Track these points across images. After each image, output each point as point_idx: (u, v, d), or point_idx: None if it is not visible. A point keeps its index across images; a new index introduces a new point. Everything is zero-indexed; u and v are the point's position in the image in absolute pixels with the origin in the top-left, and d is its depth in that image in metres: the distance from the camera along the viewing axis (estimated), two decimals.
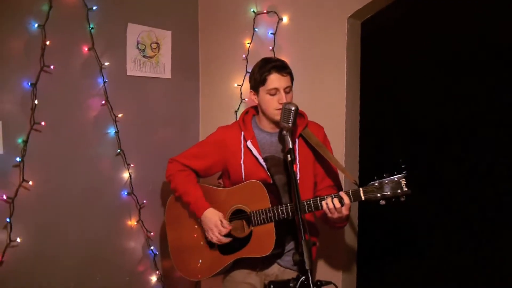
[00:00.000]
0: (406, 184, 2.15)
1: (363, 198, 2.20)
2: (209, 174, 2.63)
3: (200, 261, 2.57)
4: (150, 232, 3.24)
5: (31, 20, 2.65)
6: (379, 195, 2.17)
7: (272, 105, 2.38)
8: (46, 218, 2.76)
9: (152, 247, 3.26)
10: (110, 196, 3.08)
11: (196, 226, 2.57)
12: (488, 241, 3.03)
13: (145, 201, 3.21)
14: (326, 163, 2.51)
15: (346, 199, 2.20)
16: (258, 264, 2.48)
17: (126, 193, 3.12)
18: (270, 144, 2.49)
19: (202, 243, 2.55)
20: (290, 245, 2.48)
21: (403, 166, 2.15)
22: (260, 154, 2.44)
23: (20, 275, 2.65)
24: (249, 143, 2.46)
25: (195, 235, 2.58)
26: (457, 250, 3.15)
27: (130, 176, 3.12)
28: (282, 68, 2.38)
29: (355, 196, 2.21)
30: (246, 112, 2.60)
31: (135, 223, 3.18)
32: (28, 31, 2.64)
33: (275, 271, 2.49)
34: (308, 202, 2.26)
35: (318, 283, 1.87)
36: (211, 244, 2.52)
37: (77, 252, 2.90)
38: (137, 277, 3.23)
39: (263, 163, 2.44)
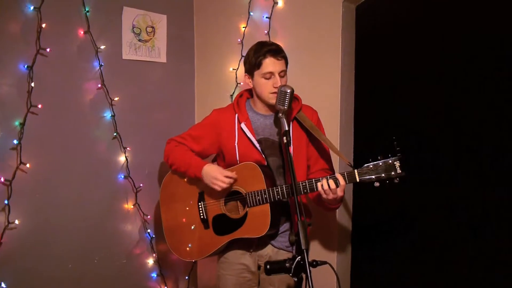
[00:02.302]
0: (400, 166, 2.19)
1: (357, 179, 2.24)
2: (204, 156, 2.65)
3: (194, 242, 2.60)
4: (147, 216, 3.27)
5: (27, 2, 2.64)
6: (373, 177, 2.21)
7: (267, 89, 2.40)
8: (43, 200, 2.78)
9: (148, 230, 3.29)
10: (107, 180, 3.10)
11: (191, 207, 2.60)
12: (481, 222, 3.08)
13: (141, 185, 3.23)
14: (319, 146, 2.54)
15: (341, 181, 2.24)
16: (253, 245, 2.52)
17: (122, 176, 3.14)
18: (264, 127, 2.51)
19: (197, 223, 2.58)
20: (284, 227, 2.52)
21: (398, 148, 2.18)
22: (254, 136, 2.47)
23: (19, 256, 2.68)
24: (243, 125, 2.48)
25: (190, 216, 2.61)
26: (451, 232, 3.20)
27: (127, 159, 3.14)
28: (277, 52, 2.40)
29: (350, 178, 2.25)
30: (240, 95, 2.62)
31: (132, 207, 3.21)
32: (24, 14, 2.64)
33: (268, 252, 2.53)
34: (304, 184, 2.29)
35: (314, 262, 1.90)
36: (206, 225, 2.56)
37: (75, 235, 2.92)
38: (134, 260, 3.26)
39: (257, 145, 2.46)
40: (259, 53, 2.39)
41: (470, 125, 3.09)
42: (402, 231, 3.32)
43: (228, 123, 2.54)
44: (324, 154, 2.57)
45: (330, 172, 2.56)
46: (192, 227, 2.59)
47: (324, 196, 2.27)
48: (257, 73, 2.42)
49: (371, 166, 2.21)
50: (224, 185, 2.42)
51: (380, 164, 2.20)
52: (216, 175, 2.43)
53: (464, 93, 3.08)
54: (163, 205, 2.74)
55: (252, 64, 2.42)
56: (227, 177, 2.42)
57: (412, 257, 3.31)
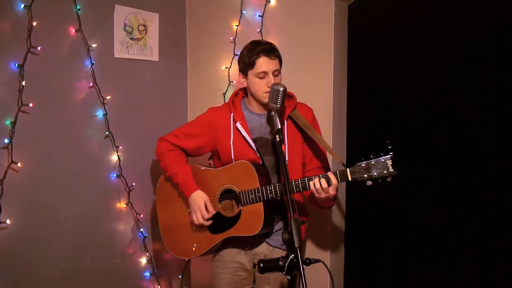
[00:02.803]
0: (393, 165, 2.19)
1: (350, 178, 2.24)
2: (198, 154, 2.65)
3: (190, 240, 2.60)
4: (140, 215, 3.26)
5: (18, 1, 2.62)
6: (365, 175, 2.21)
7: (261, 88, 2.40)
8: (35, 200, 2.76)
9: (141, 230, 3.28)
10: (99, 179, 3.08)
11: (186, 206, 2.60)
12: (476, 221, 3.10)
13: (134, 184, 3.22)
14: (314, 144, 2.54)
15: (333, 180, 2.24)
16: (248, 243, 2.52)
17: (115, 175, 3.13)
18: (260, 126, 2.51)
19: (191, 222, 2.58)
20: (279, 225, 2.52)
21: (390, 147, 2.19)
22: (249, 135, 2.47)
23: (10, 256, 2.66)
24: (238, 125, 2.48)
25: (185, 215, 2.61)
26: (444, 230, 3.22)
27: (119, 158, 3.13)
28: (270, 51, 2.39)
29: (342, 177, 2.25)
30: (235, 94, 2.62)
31: (124, 206, 3.20)
32: (15, 12, 2.62)
33: (264, 250, 2.53)
34: (296, 182, 2.29)
35: (307, 260, 1.90)
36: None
37: (67, 234, 2.91)
38: (127, 259, 3.25)
39: (252, 144, 2.46)
40: (253, 52, 2.38)
41: (464, 124, 3.10)
42: (395, 230, 3.34)
43: (223, 122, 2.53)
44: (319, 152, 2.57)
45: (326, 170, 2.56)
46: (194, 228, 2.59)
47: (316, 195, 2.27)
48: (251, 73, 2.41)
49: (364, 165, 2.21)
50: (201, 221, 2.48)
51: (373, 162, 2.20)
52: (199, 208, 2.49)
53: (458, 91, 3.10)
54: (159, 204, 2.74)
55: (246, 64, 2.41)
56: (207, 213, 2.48)
57: (405, 255, 3.33)
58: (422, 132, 3.23)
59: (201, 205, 2.48)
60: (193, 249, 2.60)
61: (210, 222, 2.49)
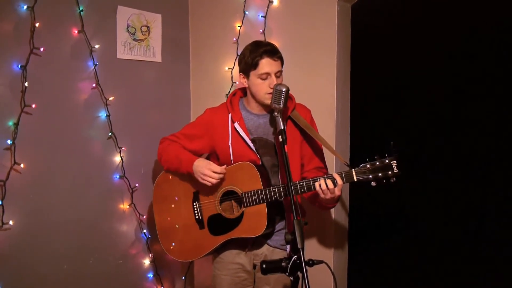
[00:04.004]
0: (397, 166, 2.19)
1: (355, 179, 2.24)
2: (198, 155, 2.64)
3: (189, 242, 2.59)
4: (143, 216, 3.25)
5: (20, 2, 2.61)
6: (370, 176, 2.22)
7: (263, 89, 2.39)
8: (38, 201, 2.76)
9: (144, 230, 3.27)
10: (102, 180, 3.08)
11: (185, 208, 2.59)
12: (479, 222, 3.10)
13: (137, 185, 3.21)
14: (313, 145, 2.54)
15: (339, 180, 2.24)
16: (248, 244, 2.51)
17: (118, 176, 3.13)
18: (258, 126, 2.50)
19: (191, 224, 2.56)
20: (279, 226, 2.52)
21: (394, 148, 2.19)
22: (247, 135, 2.46)
23: (13, 257, 2.66)
24: (236, 125, 2.47)
25: (184, 217, 2.60)
26: (447, 230, 3.22)
27: (122, 159, 3.12)
28: (273, 52, 2.39)
29: (347, 177, 2.25)
30: (233, 94, 2.61)
31: (127, 207, 3.19)
32: (17, 13, 2.61)
33: (264, 251, 2.52)
34: (301, 183, 2.29)
35: (310, 262, 1.90)
36: (201, 225, 2.55)
37: (70, 235, 2.90)
38: (130, 260, 3.25)
39: (251, 145, 2.45)
40: (256, 53, 2.37)
41: (468, 125, 3.10)
42: (398, 230, 3.33)
43: (221, 122, 2.53)
44: (317, 152, 2.57)
45: (324, 170, 2.57)
46: (188, 227, 2.57)
47: (322, 195, 2.26)
48: (253, 73, 2.40)
49: (368, 166, 2.22)
50: (214, 181, 2.41)
51: (377, 163, 2.21)
52: (204, 171, 2.41)
53: (461, 91, 3.10)
54: (156, 206, 2.73)
55: (248, 64, 2.40)
56: (215, 172, 2.40)
57: (408, 256, 3.33)
58: (426, 132, 3.23)
59: (206, 165, 2.42)
60: (195, 252, 2.58)
61: (225, 168, 2.42)
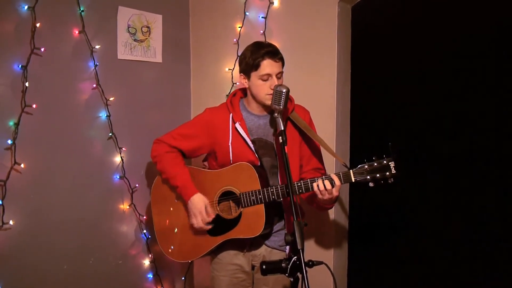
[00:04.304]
0: (395, 167, 2.19)
1: (353, 180, 2.24)
2: (195, 155, 2.64)
3: (188, 243, 2.59)
4: (143, 216, 3.26)
5: (21, 2, 2.62)
6: (368, 177, 2.22)
7: (264, 90, 2.39)
8: (38, 201, 2.76)
9: (144, 231, 3.28)
10: (102, 180, 3.08)
11: (184, 208, 2.59)
12: (479, 221, 3.10)
13: (137, 185, 3.22)
14: (312, 146, 2.54)
15: (337, 181, 2.24)
16: (246, 245, 2.52)
17: (118, 176, 3.13)
18: (258, 127, 2.51)
19: (190, 225, 2.56)
20: (277, 226, 2.52)
21: (392, 149, 2.19)
22: (248, 136, 2.46)
23: (13, 257, 2.66)
24: (237, 125, 2.47)
25: (183, 217, 2.60)
26: (445, 229, 3.22)
27: (122, 159, 3.13)
28: (275, 53, 2.39)
29: (345, 178, 2.25)
30: (233, 94, 2.61)
31: (128, 207, 3.20)
32: (18, 13, 2.62)
33: (262, 251, 2.53)
34: (299, 184, 2.29)
35: (310, 262, 1.90)
36: None
37: (70, 235, 2.91)
38: (129, 261, 3.25)
39: (251, 145, 2.46)
40: (257, 54, 2.37)
41: (467, 125, 3.11)
42: (398, 231, 3.34)
43: (221, 122, 2.52)
44: (316, 153, 2.57)
45: (322, 171, 2.57)
46: (192, 231, 2.57)
47: (319, 196, 2.27)
48: (254, 74, 2.40)
49: (366, 167, 2.22)
50: (201, 225, 2.46)
51: (375, 164, 2.21)
52: (199, 212, 2.46)
53: (461, 92, 3.10)
54: (154, 207, 2.73)
55: (249, 65, 2.40)
56: (207, 216, 2.45)
57: (408, 256, 3.33)
58: (425, 133, 3.23)
59: (201, 208, 2.46)
60: (193, 252, 2.59)
61: (210, 226, 2.48)
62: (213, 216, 2.46)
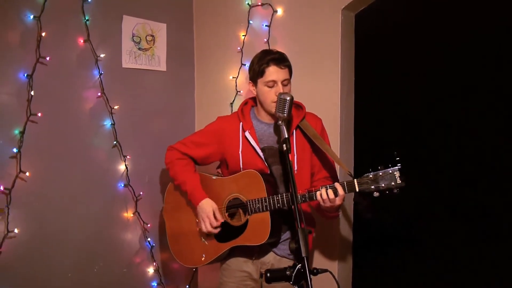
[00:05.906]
0: (400, 177, 2.16)
1: (357, 189, 2.22)
2: (206, 162, 2.66)
3: (197, 248, 2.60)
4: (147, 224, 3.26)
5: (27, 11, 2.65)
6: (373, 187, 2.19)
7: (270, 97, 2.40)
8: (43, 209, 2.77)
9: (149, 239, 3.27)
10: (107, 188, 3.09)
11: (194, 215, 2.60)
12: (485, 229, 3.09)
13: (141, 193, 3.22)
14: (323, 154, 2.53)
15: (340, 191, 2.23)
16: (255, 252, 2.51)
17: (122, 185, 3.14)
18: (268, 135, 2.51)
19: (199, 231, 2.57)
20: (286, 235, 2.51)
21: (398, 158, 2.17)
22: (258, 144, 2.47)
23: (18, 265, 2.67)
24: (247, 134, 2.48)
25: (193, 223, 2.61)
26: (453, 239, 3.21)
27: (127, 167, 3.14)
28: (280, 60, 2.40)
29: (349, 188, 2.24)
30: (245, 103, 2.63)
31: (132, 215, 3.20)
32: (24, 23, 2.64)
33: (271, 259, 2.52)
34: (303, 193, 2.29)
35: (315, 270, 1.89)
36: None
37: (74, 244, 2.91)
38: (134, 269, 3.25)
39: (261, 154, 2.46)
40: (263, 61, 2.39)
41: (473, 132, 3.09)
42: (403, 239, 3.32)
43: (232, 131, 2.54)
44: (328, 162, 2.57)
45: (334, 180, 2.55)
46: (201, 237, 2.58)
47: (322, 204, 2.26)
48: (260, 81, 2.42)
49: (371, 176, 2.19)
50: (209, 229, 2.47)
51: (380, 174, 2.17)
52: (207, 216, 2.48)
53: (466, 98, 3.09)
54: (167, 212, 2.76)
55: (255, 72, 2.42)
56: (215, 221, 2.47)
57: (413, 265, 3.31)
58: (430, 141, 3.22)
59: (209, 213, 2.47)
60: (201, 258, 2.59)
61: (218, 230, 2.49)
62: (221, 220, 2.47)
